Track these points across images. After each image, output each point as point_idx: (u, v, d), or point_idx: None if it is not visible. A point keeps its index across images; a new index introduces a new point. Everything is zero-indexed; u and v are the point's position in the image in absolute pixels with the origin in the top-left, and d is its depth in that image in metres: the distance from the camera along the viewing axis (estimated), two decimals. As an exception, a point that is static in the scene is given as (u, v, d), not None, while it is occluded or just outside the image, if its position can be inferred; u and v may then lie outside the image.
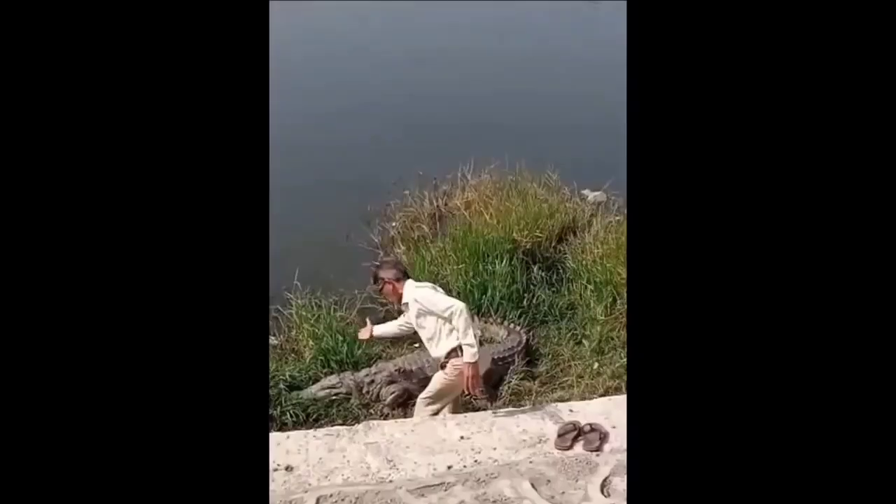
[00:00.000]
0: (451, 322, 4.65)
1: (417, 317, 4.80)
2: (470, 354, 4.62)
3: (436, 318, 4.73)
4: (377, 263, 5.68)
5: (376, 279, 5.04)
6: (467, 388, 4.74)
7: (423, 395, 5.03)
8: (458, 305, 4.65)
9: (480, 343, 5.07)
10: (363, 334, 5.24)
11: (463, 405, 5.34)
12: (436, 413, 4.95)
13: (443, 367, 4.85)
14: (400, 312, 5.21)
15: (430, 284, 5.03)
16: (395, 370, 5.73)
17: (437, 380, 4.92)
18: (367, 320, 5.47)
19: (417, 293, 4.79)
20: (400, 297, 4.89)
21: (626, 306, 6.26)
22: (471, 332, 4.62)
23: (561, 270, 7.06)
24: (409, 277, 5.00)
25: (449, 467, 4.18)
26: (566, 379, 5.85)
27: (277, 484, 4.00)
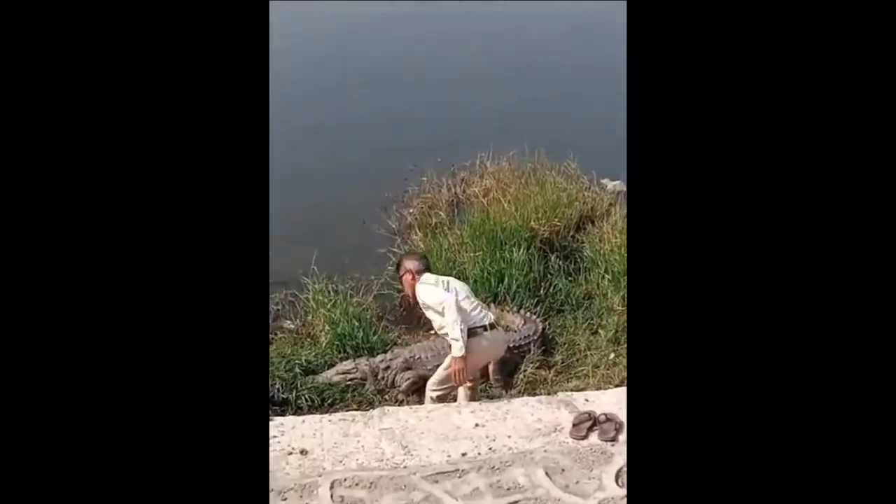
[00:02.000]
0: (443, 316, 4.78)
1: (425, 311, 5.00)
2: (456, 349, 4.75)
3: (435, 312, 4.88)
4: (404, 253, 5.77)
5: (399, 267, 5.23)
6: (455, 382, 4.86)
7: (430, 380, 5.12)
8: (449, 299, 4.77)
9: (496, 328, 5.06)
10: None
11: (481, 392, 5.36)
12: (441, 399, 5.01)
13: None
14: (411, 303, 5.37)
15: (435, 279, 5.07)
16: (411, 356, 5.73)
17: (443, 368, 5.02)
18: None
19: (419, 290, 4.96)
20: (414, 290, 5.03)
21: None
22: (458, 326, 4.72)
23: (578, 259, 7.02)
24: (429, 271, 5.13)
25: (463, 454, 4.18)
26: (582, 368, 5.83)
27: (292, 467, 4.02)
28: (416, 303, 5.10)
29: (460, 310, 4.80)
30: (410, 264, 5.11)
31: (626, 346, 5.95)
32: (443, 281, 5.06)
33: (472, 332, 4.86)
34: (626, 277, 6.40)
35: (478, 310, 5.01)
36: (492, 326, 5.01)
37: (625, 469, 3.99)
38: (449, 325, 4.77)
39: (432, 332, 5.26)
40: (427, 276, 5.04)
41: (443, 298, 4.81)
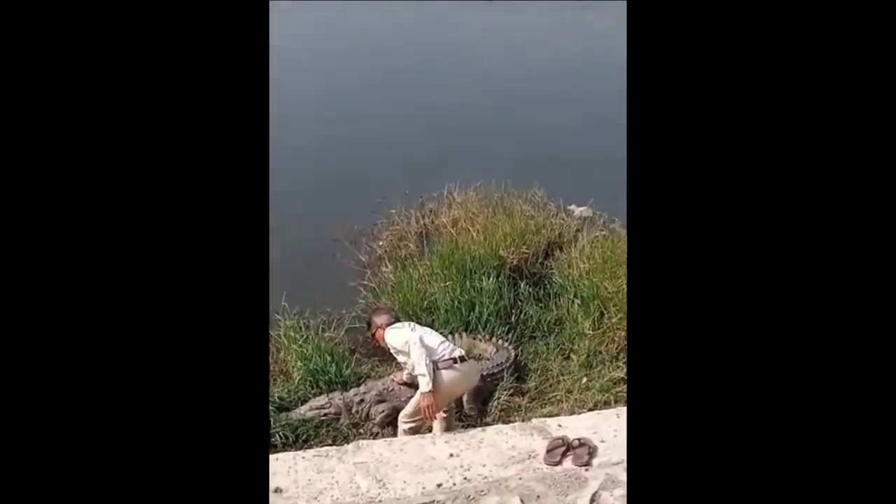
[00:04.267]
0: (410, 356, 4.95)
1: (396, 356, 5.19)
2: (423, 384, 4.87)
3: (403, 353, 5.06)
4: (372, 309, 5.93)
5: (370, 325, 5.44)
6: (425, 417, 4.95)
7: (402, 413, 5.16)
8: (413, 337, 4.95)
9: (466, 360, 5.14)
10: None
11: (456, 421, 5.38)
12: (414, 430, 5.04)
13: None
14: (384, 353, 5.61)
15: (401, 325, 5.27)
16: (385, 388, 5.73)
17: (414, 400, 5.07)
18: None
19: (387, 336, 5.16)
20: (384, 340, 5.25)
21: (612, 320, 6.29)
22: (423, 361, 4.85)
23: (548, 286, 7.07)
24: (398, 321, 5.34)
25: (438, 485, 4.18)
26: (555, 394, 5.86)
27: (267, 506, 3.99)
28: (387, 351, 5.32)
29: (425, 346, 4.93)
30: (380, 319, 5.34)
31: (598, 369, 6.01)
32: (408, 324, 5.29)
33: (443, 365, 4.95)
34: (595, 302, 6.48)
35: (444, 344, 5.13)
36: (462, 359, 5.09)
37: (599, 493, 4.01)
38: (415, 361, 4.89)
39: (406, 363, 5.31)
40: (395, 324, 5.25)
41: (407, 337, 4.99)
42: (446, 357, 5.00)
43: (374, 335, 5.41)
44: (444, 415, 5.19)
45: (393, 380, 5.68)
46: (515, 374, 6.06)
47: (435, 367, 4.92)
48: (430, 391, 4.83)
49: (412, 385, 5.30)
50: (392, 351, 5.20)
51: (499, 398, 5.80)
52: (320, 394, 5.83)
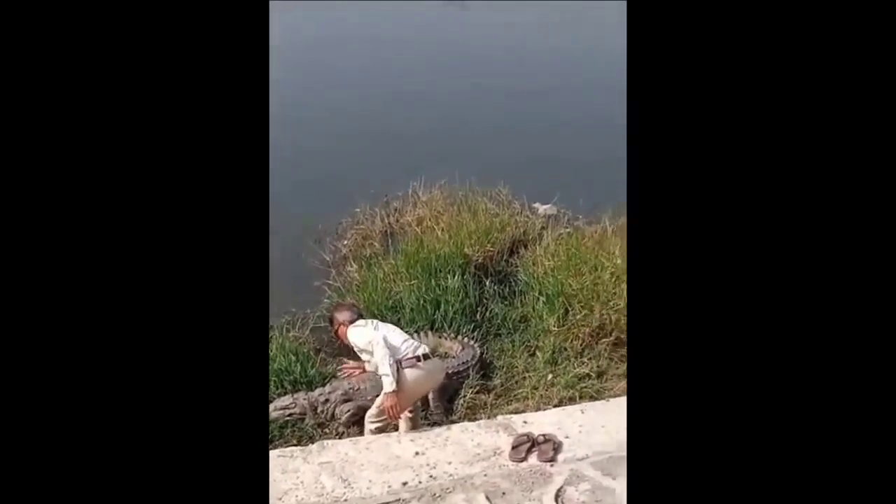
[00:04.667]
0: (373, 355, 4.92)
1: (359, 354, 5.15)
2: (387, 384, 4.84)
3: (367, 352, 5.04)
4: (334, 305, 5.88)
5: (332, 321, 5.38)
6: (389, 417, 4.93)
7: (368, 412, 5.14)
8: (376, 337, 4.93)
9: (430, 357, 5.13)
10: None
11: (422, 419, 5.37)
12: (380, 430, 5.02)
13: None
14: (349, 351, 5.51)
15: (364, 322, 5.22)
16: (350, 388, 5.70)
17: (379, 400, 5.04)
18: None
19: (350, 334, 5.12)
20: (346, 337, 5.20)
21: (577, 317, 6.33)
22: (386, 361, 4.82)
23: (513, 283, 7.10)
24: (361, 318, 5.28)
25: (404, 484, 4.17)
26: (521, 391, 5.88)
27: (230, 508, 3.95)
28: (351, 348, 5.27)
29: (389, 346, 4.90)
30: (342, 316, 5.28)
31: (563, 366, 6.05)
32: (371, 322, 5.23)
33: (407, 364, 4.93)
34: (560, 299, 6.51)
35: (408, 343, 5.10)
36: (426, 357, 5.06)
37: (564, 489, 4.03)
38: (378, 361, 4.86)
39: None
40: (358, 322, 5.19)
41: (370, 337, 4.96)
42: (410, 356, 4.98)
43: (336, 332, 5.37)
44: (410, 414, 5.17)
45: (345, 367, 5.63)
46: (481, 372, 6.08)
47: (399, 366, 4.90)
48: (393, 391, 4.80)
49: (363, 371, 5.33)
50: (355, 349, 5.17)
51: (465, 396, 5.81)
52: (285, 394, 5.79)
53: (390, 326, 5.28)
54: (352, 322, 5.19)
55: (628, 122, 2.22)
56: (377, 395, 5.17)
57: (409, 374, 4.94)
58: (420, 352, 5.06)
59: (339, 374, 5.80)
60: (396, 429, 5.06)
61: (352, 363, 5.50)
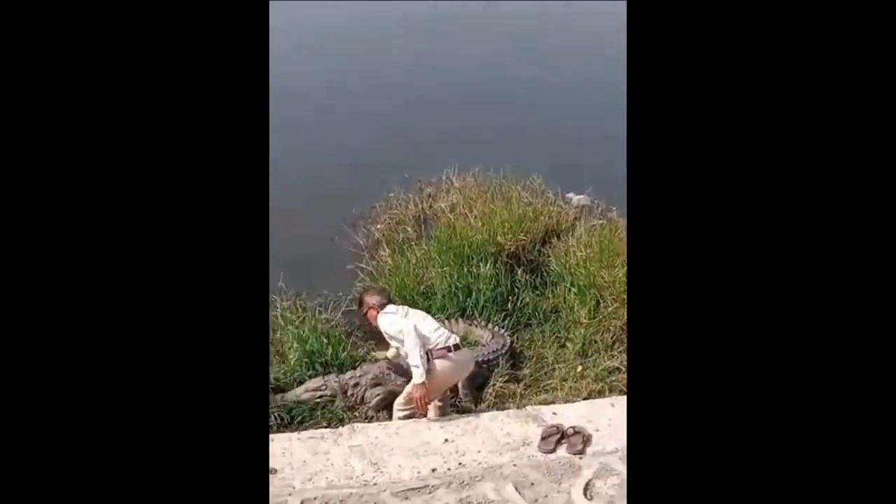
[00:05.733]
0: (404, 345, 4.92)
1: (390, 341, 5.18)
2: (416, 375, 4.84)
3: (397, 340, 5.05)
4: (364, 288, 5.90)
5: (361, 303, 5.40)
6: (416, 409, 4.95)
7: (397, 400, 5.16)
8: (407, 326, 4.89)
9: (461, 348, 5.14)
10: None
11: (450, 407, 5.39)
12: (408, 418, 5.03)
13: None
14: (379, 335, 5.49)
15: (395, 308, 5.22)
16: (380, 372, 5.73)
17: (408, 389, 5.06)
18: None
19: (381, 321, 5.13)
20: (377, 323, 5.20)
21: (608, 309, 6.30)
22: (417, 352, 4.81)
23: (545, 273, 7.07)
24: (391, 303, 5.29)
25: (433, 470, 4.20)
26: (550, 382, 5.87)
27: (262, 487, 4.01)
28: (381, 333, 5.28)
29: (420, 335, 4.90)
30: (372, 300, 5.30)
31: (593, 358, 6.03)
32: (402, 309, 5.22)
33: (437, 355, 4.94)
34: (592, 290, 6.49)
35: (440, 332, 5.09)
36: (456, 347, 5.07)
37: (593, 482, 4.04)
38: (409, 351, 4.87)
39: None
40: (388, 308, 5.19)
41: (401, 326, 4.95)
42: (441, 346, 4.98)
43: (365, 315, 5.39)
44: (440, 403, 5.19)
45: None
46: (511, 362, 6.07)
47: (429, 356, 4.90)
48: (422, 382, 4.82)
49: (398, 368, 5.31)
50: (385, 336, 5.19)
51: (494, 385, 5.81)
52: (316, 376, 5.83)
53: (421, 314, 5.28)
54: (382, 307, 5.20)
55: (628, 122, 2.23)
56: (407, 381, 5.21)
57: (440, 364, 4.95)
58: (451, 342, 5.06)
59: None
60: (425, 416, 5.09)
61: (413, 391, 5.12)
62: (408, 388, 5.03)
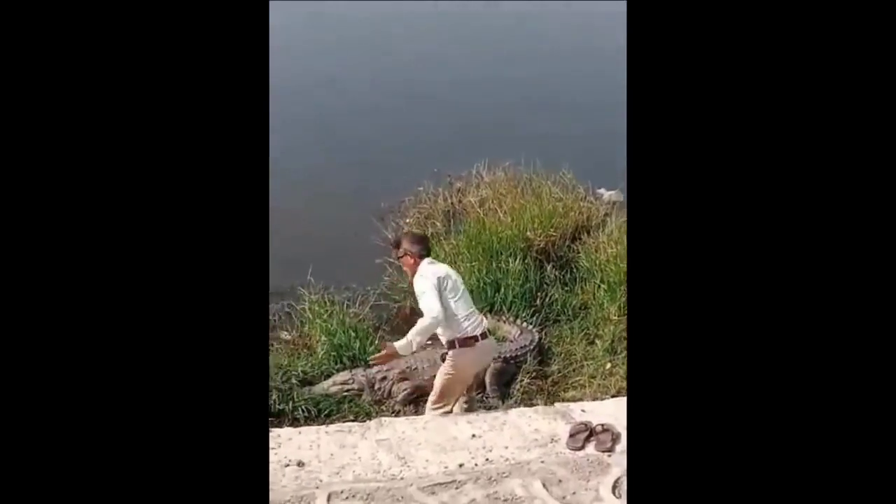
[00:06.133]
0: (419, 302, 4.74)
1: (419, 297, 4.79)
2: (403, 346, 4.72)
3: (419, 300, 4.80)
4: (405, 231, 5.73)
5: (398, 245, 5.04)
6: (373, 360, 5.02)
7: (430, 398, 5.01)
8: (431, 310, 4.63)
9: (487, 337, 4.97)
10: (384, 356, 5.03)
11: (478, 402, 5.36)
12: (447, 413, 4.93)
13: (442, 359, 4.90)
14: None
15: (436, 268, 4.90)
16: (408, 367, 5.73)
17: (438, 378, 4.92)
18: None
19: (417, 281, 4.79)
20: (415, 273, 4.86)
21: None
22: (425, 332, 4.69)
23: (574, 269, 7.02)
24: (429, 255, 5.00)
25: (460, 465, 4.18)
26: (578, 378, 5.83)
27: (289, 479, 4.02)
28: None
29: (449, 319, 4.69)
30: (412, 248, 4.91)
31: (623, 355, 5.96)
32: (441, 272, 4.86)
33: (464, 343, 4.76)
34: (622, 287, 6.42)
35: (472, 319, 4.83)
36: (483, 336, 4.87)
37: (622, 480, 3.99)
38: (419, 328, 4.69)
39: (429, 342, 5.24)
40: (425, 262, 4.88)
41: (426, 306, 4.68)
42: (469, 335, 4.76)
43: (401, 258, 5.05)
44: (465, 396, 5.13)
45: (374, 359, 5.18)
46: (539, 358, 6.05)
47: (456, 344, 4.76)
48: (396, 352, 4.81)
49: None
50: (416, 292, 4.81)
51: (521, 381, 5.79)
52: (343, 369, 5.86)
53: (460, 287, 4.92)
54: (420, 256, 4.87)
55: (628, 122, 2.21)
56: (434, 377, 5.18)
57: (464, 353, 4.78)
58: (479, 331, 4.82)
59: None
60: (451, 411, 5.03)
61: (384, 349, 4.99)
62: (437, 384, 4.93)
